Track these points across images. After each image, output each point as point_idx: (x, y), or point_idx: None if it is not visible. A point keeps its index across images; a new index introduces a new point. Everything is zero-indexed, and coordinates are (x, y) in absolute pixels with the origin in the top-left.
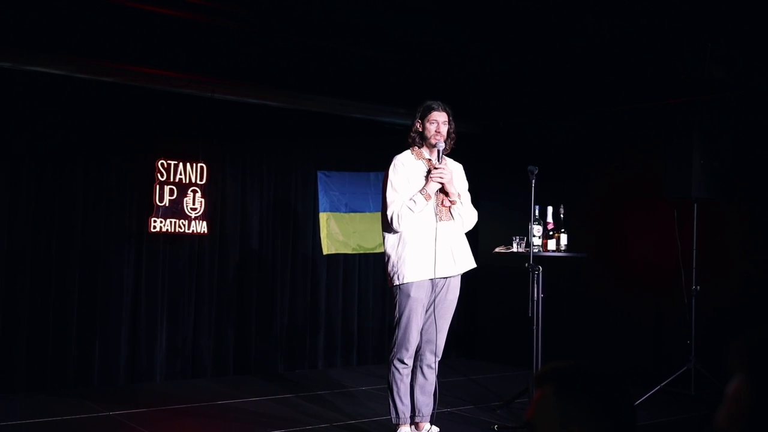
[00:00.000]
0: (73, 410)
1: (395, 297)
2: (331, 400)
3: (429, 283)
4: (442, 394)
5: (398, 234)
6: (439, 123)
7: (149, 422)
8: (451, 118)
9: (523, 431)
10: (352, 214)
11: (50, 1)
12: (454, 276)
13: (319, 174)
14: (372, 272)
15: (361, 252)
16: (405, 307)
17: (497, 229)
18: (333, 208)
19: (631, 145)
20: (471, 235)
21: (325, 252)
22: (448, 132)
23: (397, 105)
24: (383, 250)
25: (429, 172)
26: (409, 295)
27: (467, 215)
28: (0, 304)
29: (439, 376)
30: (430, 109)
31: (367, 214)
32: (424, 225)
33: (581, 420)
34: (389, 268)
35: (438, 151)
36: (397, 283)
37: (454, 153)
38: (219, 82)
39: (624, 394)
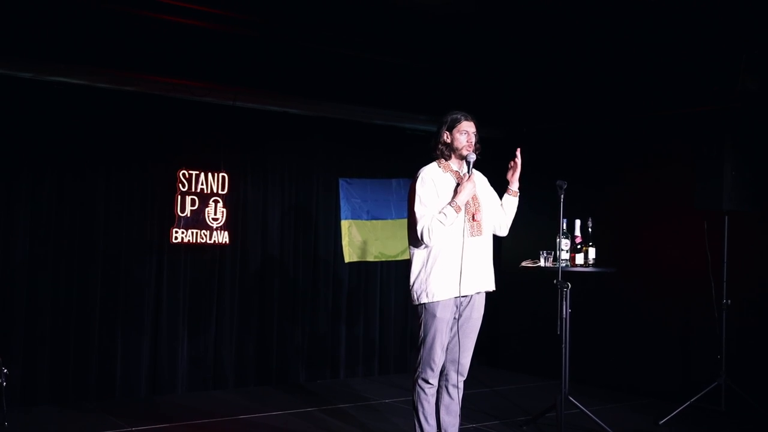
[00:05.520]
0: (95, 426)
1: (420, 316)
2: (354, 414)
3: (453, 302)
4: (466, 407)
5: (427, 250)
6: (470, 133)
7: None
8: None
9: None
10: (374, 221)
11: (70, 12)
12: (479, 293)
13: (341, 181)
14: (394, 280)
15: (383, 260)
16: (430, 327)
17: (522, 238)
18: (355, 216)
19: (660, 154)
20: (495, 246)
21: (346, 260)
22: (475, 142)
23: (418, 111)
24: (408, 262)
25: (458, 185)
26: (435, 315)
27: (511, 213)
28: (22, 315)
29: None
30: (458, 120)
31: (389, 221)
32: (454, 240)
33: None
34: (416, 286)
35: (468, 163)
36: (423, 301)
37: (478, 159)
38: (240, 90)
39: None
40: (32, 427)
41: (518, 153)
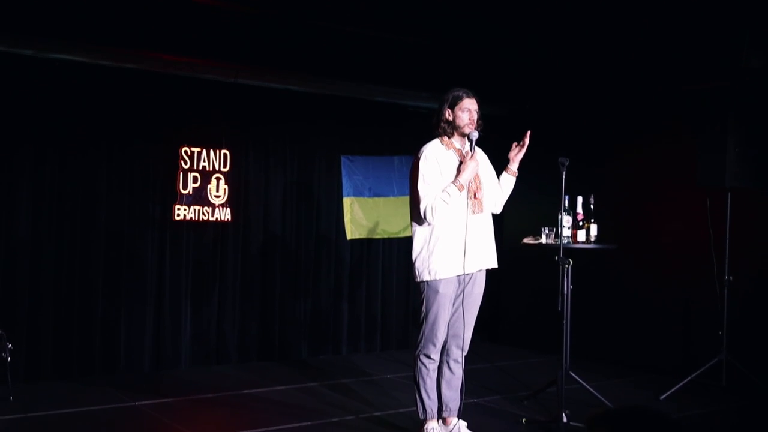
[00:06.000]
0: (99, 400)
1: (422, 292)
2: (357, 390)
3: (456, 279)
4: (468, 382)
5: (429, 228)
6: (471, 111)
7: (175, 413)
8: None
9: (551, 426)
10: (376, 198)
11: None
12: (481, 270)
13: (343, 158)
14: (396, 257)
15: (385, 237)
16: (433, 303)
17: (524, 215)
18: (357, 193)
19: (663, 131)
20: (497, 222)
21: (348, 237)
22: (477, 120)
23: (420, 89)
24: (409, 240)
25: (461, 162)
26: (437, 292)
27: (508, 191)
28: (25, 291)
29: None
30: (460, 97)
31: (391, 198)
32: (456, 218)
33: None
34: (418, 263)
35: (471, 140)
36: (426, 279)
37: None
38: (242, 67)
39: None
40: (37, 401)
41: (527, 135)
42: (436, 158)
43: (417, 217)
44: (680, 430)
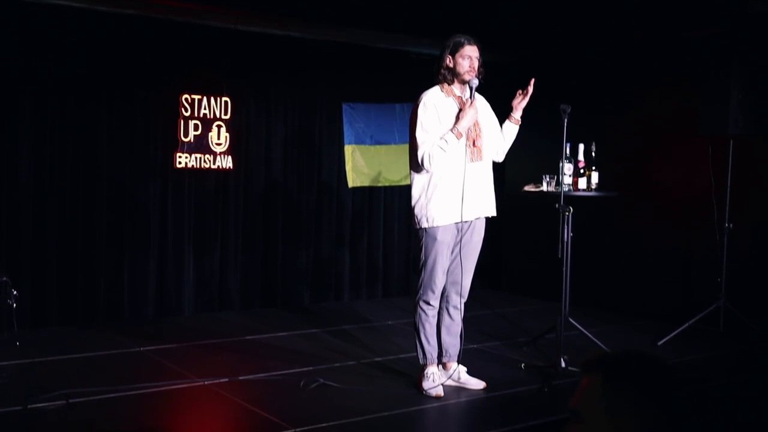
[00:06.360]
0: (104, 346)
1: (421, 239)
2: (358, 336)
3: (455, 226)
4: (468, 329)
5: (428, 175)
6: (472, 58)
7: (179, 358)
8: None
9: (550, 371)
10: (378, 146)
11: None
12: (479, 218)
13: (344, 106)
14: (397, 205)
15: (387, 184)
16: (431, 250)
17: (525, 162)
18: (358, 141)
19: (666, 77)
20: (498, 169)
21: (350, 185)
22: (478, 67)
23: (423, 35)
24: (410, 187)
25: (460, 110)
26: (435, 239)
27: (510, 140)
28: (29, 239)
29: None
30: (461, 44)
31: (393, 146)
32: (455, 166)
33: (629, 412)
34: (417, 210)
35: (471, 87)
36: (424, 226)
37: (480, 83)
38: (242, 13)
39: (675, 383)
40: (43, 347)
41: (531, 83)
42: (435, 105)
43: (415, 165)
44: (674, 374)
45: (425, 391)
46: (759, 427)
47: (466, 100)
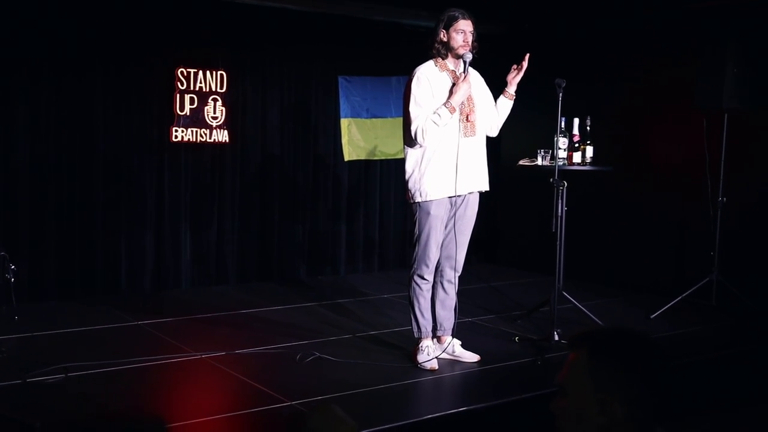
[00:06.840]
0: (102, 320)
1: (415, 213)
2: (353, 309)
3: (448, 200)
4: (462, 302)
5: (421, 150)
6: (466, 32)
7: (176, 332)
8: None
9: (543, 344)
10: (374, 119)
11: None
12: (473, 193)
13: (340, 79)
14: (393, 178)
15: (383, 158)
16: (425, 225)
17: (519, 137)
18: (354, 114)
19: (661, 51)
20: (493, 143)
21: (346, 158)
22: (472, 41)
23: (419, 7)
24: (404, 162)
25: (454, 84)
26: (429, 213)
27: (505, 115)
28: (27, 214)
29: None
30: (455, 18)
31: (389, 119)
32: (448, 140)
33: (614, 388)
34: (410, 185)
35: (465, 62)
36: (417, 200)
37: (474, 58)
38: None
39: (660, 360)
40: (41, 322)
41: (526, 58)
42: (429, 79)
43: (408, 139)
44: (660, 351)
45: (420, 364)
46: (750, 399)
47: (460, 74)
